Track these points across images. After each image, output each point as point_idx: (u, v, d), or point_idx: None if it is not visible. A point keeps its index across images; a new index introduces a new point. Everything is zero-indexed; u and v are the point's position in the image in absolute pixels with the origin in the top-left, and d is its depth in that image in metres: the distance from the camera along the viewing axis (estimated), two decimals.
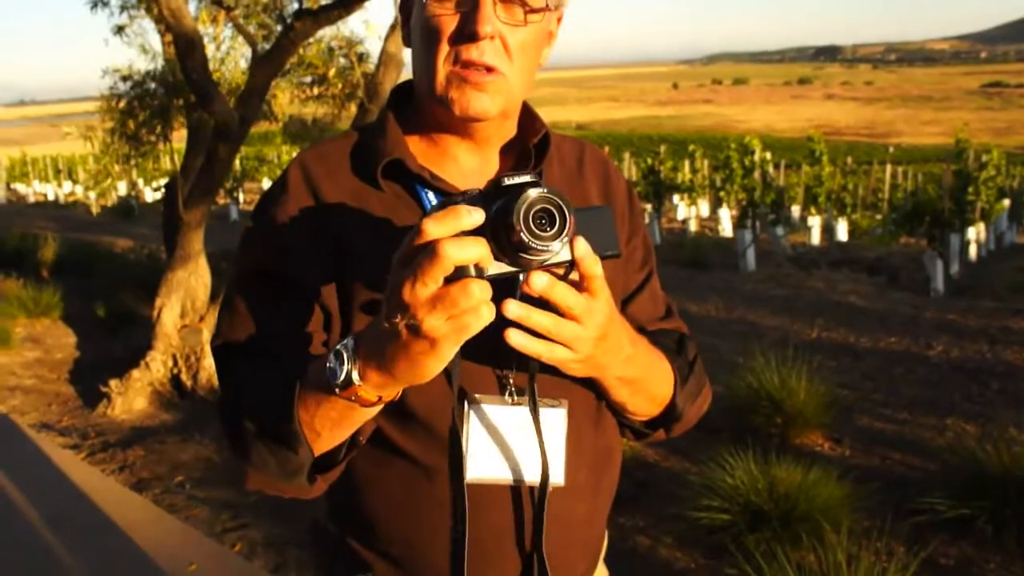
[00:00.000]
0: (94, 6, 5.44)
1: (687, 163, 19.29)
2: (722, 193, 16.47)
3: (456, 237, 0.82)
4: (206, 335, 6.08)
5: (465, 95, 1.10)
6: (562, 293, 0.91)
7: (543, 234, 0.85)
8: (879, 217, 18.12)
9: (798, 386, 4.92)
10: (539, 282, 0.88)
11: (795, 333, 7.39)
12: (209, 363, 5.97)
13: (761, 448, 4.21)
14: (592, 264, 0.91)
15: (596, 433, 1.22)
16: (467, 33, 1.08)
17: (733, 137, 18.07)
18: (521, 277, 0.88)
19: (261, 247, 1.17)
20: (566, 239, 0.86)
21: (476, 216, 0.83)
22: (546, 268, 0.89)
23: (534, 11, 1.11)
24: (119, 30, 5.82)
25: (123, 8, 5.73)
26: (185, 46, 4.31)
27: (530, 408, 1.12)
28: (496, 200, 0.86)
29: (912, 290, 9.75)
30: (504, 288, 0.94)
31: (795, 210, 19.47)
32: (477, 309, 0.82)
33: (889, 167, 22.33)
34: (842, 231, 16.18)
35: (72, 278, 9.94)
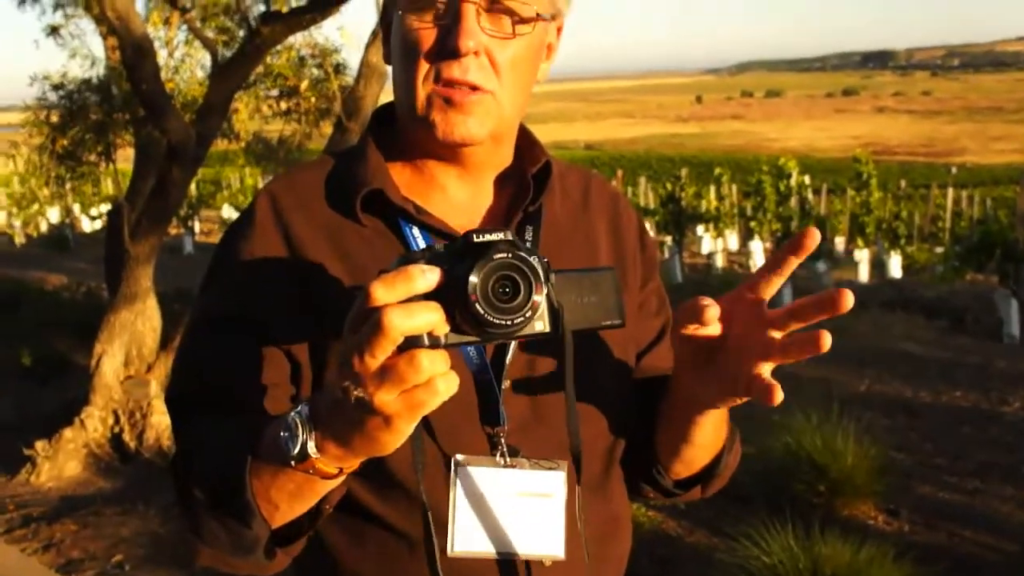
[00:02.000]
0: (22, 2, 5.50)
1: (712, 189, 19.45)
2: (753, 223, 16.58)
3: (405, 304, 0.84)
4: (154, 388, 6.09)
5: (448, 118, 1.13)
6: None
7: (503, 306, 0.86)
8: (940, 250, 18.21)
9: (845, 448, 4.94)
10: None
11: (840, 386, 7.39)
12: (157, 420, 5.97)
13: (802, 520, 4.19)
14: None
15: (601, 499, 1.23)
16: (448, 49, 1.11)
17: (766, 158, 18.27)
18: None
19: (224, 288, 1.21)
20: (538, 311, 0.88)
21: (431, 278, 0.85)
22: (520, 339, 0.90)
23: (523, 21, 1.14)
24: (53, 31, 5.90)
25: (57, 6, 5.81)
26: (134, 53, 4.39)
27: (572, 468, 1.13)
28: (462, 260, 0.87)
29: (981, 335, 9.78)
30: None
31: (839, 242, 19.58)
32: (431, 384, 0.84)
33: (951, 191, 22.47)
34: (895, 266, 16.25)
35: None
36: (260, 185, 20.30)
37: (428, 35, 1.12)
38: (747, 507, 4.67)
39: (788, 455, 4.98)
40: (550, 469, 1.15)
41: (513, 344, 1.16)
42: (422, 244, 1.17)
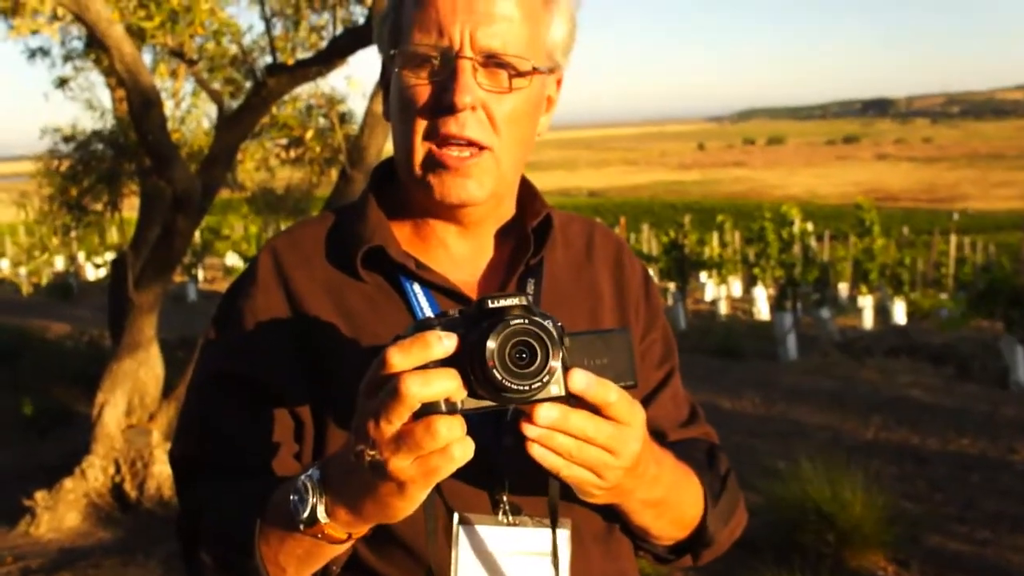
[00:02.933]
0: (31, 56, 5.59)
1: (716, 235, 19.49)
2: (756, 270, 16.59)
3: (422, 370, 0.84)
4: (156, 437, 6.05)
5: (444, 181, 1.14)
6: (579, 425, 0.93)
7: (521, 371, 0.86)
8: (944, 296, 18.19)
9: (853, 497, 4.89)
10: (547, 416, 0.90)
11: (847, 433, 7.36)
12: (158, 470, 5.92)
13: (811, 571, 4.15)
14: (603, 393, 0.93)
15: (605, 557, 1.21)
16: (445, 105, 1.11)
17: (768, 205, 18.31)
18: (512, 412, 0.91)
19: (226, 347, 1.22)
20: (554, 376, 0.89)
21: (447, 344, 0.86)
22: (535, 403, 0.90)
23: (520, 75, 1.14)
24: (62, 83, 5.98)
25: (67, 59, 5.90)
26: (141, 104, 4.44)
27: (551, 529, 1.11)
28: (477, 325, 0.88)
29: (987, 382, 9.72)
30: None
31: (842, 288, 19.56)
32: (447, 451, 0.85)
33: (954, 237, 22.51)
34: (899, 313, 16.23)
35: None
36: (263, 234, 20.34)
37: (424, 92, 1.13)
38: (756, 557, 4.61)
39: (796, 504, 4.93)
40: (552, 529, 1.13)
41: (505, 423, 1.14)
42: (423, 301, 1.17)
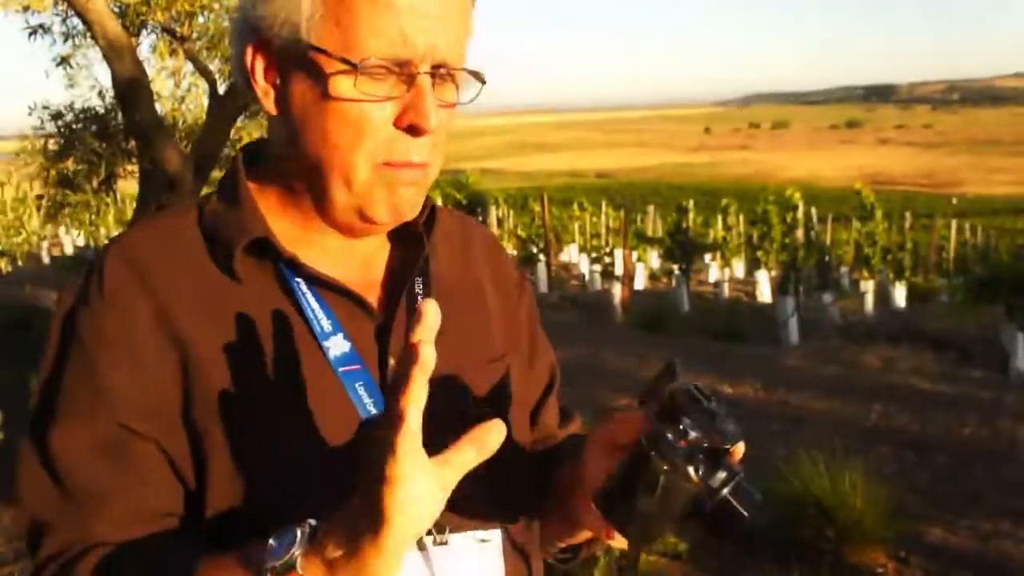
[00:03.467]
0: (32, 34, 5.36)
1: (719, 218, 19.23)
2: (759, 253, 16.34)
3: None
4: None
5: (394, 201, 1.00)
6: None
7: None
8: (945, 282, 17.89)
9: (853, 491, 4.68)
10: None
11: (847, 421, 7.14)
12: None
13: (810, 567, 3.97)
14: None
15: (531, 565, 1.13)
16: (409, 126, 0.96)
17: (772, 188, 18.03)
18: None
19: (73, 382, 0.97)
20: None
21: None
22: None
23: (458, 86, 1.02)
24: (62, 61, 5.74)
25: (67, 36, 5.65)
26: (126, 82, 4.19)
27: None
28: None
29: (988, 369, 9.47)
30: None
31: (843, 271, 19.31)
32: None
33: (955, 222, 22.19)
34: (900, 297, 15.97)
35: (5, 342, 9.77)
36: None
37: (378, 109, 0.96)
38: (753, 554, 4.43)
39: (795, 498, 4.71)
40: (483, 541, 1.05)
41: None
42: (313, 301, 1.01)
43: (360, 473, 0.80)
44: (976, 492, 5.51)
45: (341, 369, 0.99)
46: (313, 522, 0.83)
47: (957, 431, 6.76)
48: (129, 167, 5.93)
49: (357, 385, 0.99)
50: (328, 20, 0.95)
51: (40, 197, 5.62)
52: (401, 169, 0.98)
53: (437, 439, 0.96)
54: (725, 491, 0.87)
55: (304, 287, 1.01)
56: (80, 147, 5.54)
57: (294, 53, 0.98)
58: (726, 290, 17.64)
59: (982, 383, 8.44)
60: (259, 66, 1.01)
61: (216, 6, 4.98)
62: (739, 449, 0.90)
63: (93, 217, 6.00)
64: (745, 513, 0.87)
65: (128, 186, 6.85)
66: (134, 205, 5.91)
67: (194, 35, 5.18)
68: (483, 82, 1.02)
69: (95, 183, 5.73)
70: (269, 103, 1.01)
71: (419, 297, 1.07)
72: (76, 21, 5.87)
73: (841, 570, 4.36)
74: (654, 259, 22.72)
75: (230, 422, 0.95)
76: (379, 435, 0.77)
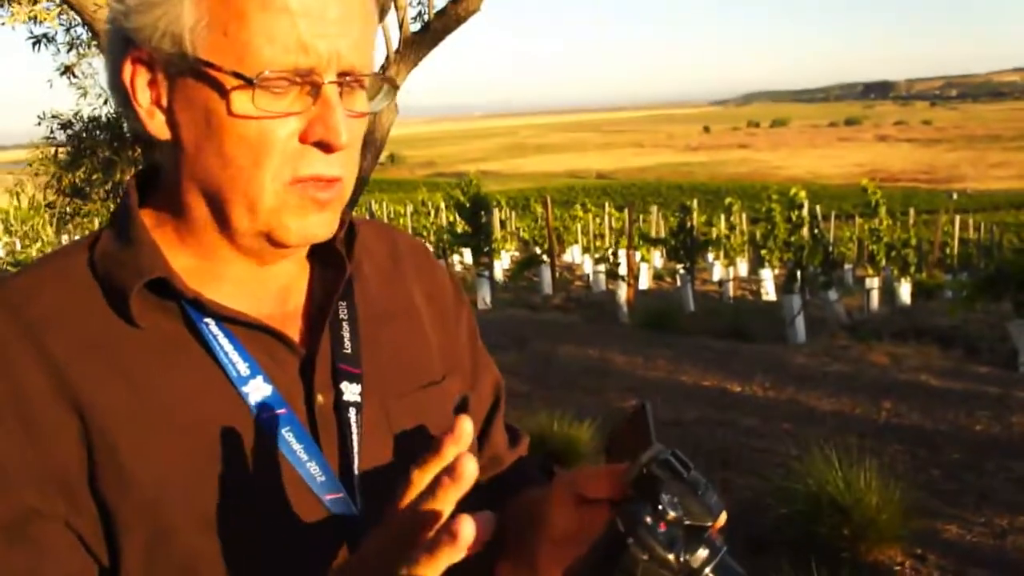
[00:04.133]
0: (36, 43, 5.34)
1: (722, 217, 19.20)
2: (764, 251, 16.30)
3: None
4: None
5: (308, 221, 0.89)
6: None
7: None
8: (949, 278, 17.87)
9: (868, 489, 4.64)
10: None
11: (858, 418, 7.10)
12: None
13: (828, 567, 3.93)
14: None
15: None
16: (318, 142, 0.86)
17: (773, 186, 17.99)
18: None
19: None
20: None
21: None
22: None
23: (367, 92, 0.92)
24: (66, 70, 5.73)
25: (71, 46, 5.64)
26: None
27: None
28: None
29: (996, 365, 9.44)
30: None
31: (846, 268, 19.27)
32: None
33: (958, 218, 22.16)
34: (905, 293, 15.94)
35: None
36: None
37: (281, 125, 0.85)
38: (770, 553, 4.40)
39: (809, 497, 4.68)
40: None
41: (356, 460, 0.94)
42: (226, 343, 0.89)
43: (361, 565, 0.77)
44: (990, 488, 5.47)
45: (264, 415, 0.89)
46: None
47: (968, 427, 6.72)
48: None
49: (284, 431, 0.89)
50: (215, 30, 0.84)
51: (50, 206, 5.60)
52: (310, 186, 0.87)
53: (377, 473, 0.93)
54: (707, 570, 0.79)
55: (214, 327, 0.89)
56: (90, 155, 5.52)
57: (179, 69, 0.86)
58: (731, 289, 17.61)
59: (991, 379, 8.39)
60: (140, 84, 0.88)
61: None
62: (720, 523, 0.81)
63: (101, 225, 6.00)
64: None
65: None
66: None
67: None
68: (395, 87, 0.95)
69: (103, 191, 5.72)
70: (155, 126, 0.89)
71: (344, 323, 0.98)
72: (80, 31, 5.87)
73: (858, 568, 4.32)
74: (657, 259, 22.71)
75: (142, 489, 0.84)
76: (408, 538, 0.73)
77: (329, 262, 0.99)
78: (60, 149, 5.61)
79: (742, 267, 20.53)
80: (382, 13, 0.93)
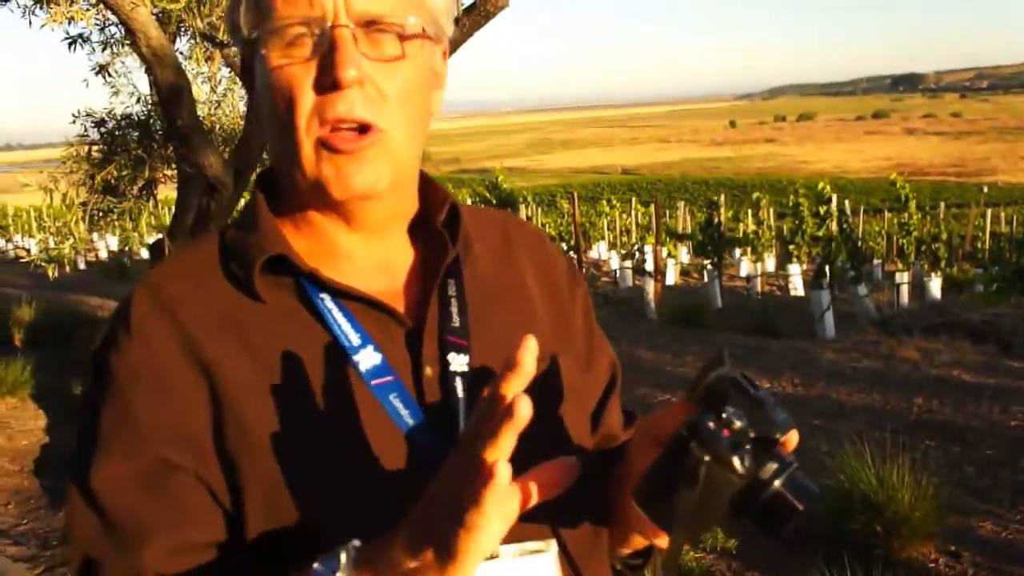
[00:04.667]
0: (72, 43, 5.41)
1: (750, 212, 19.07)
2: (792, 246, 16.17)
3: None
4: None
5: (341, 170, 0.93)
6: None
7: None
8: (981, 271, 17.64)
9: (901, 485, 4.60)
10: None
11: (889, 414, 7.03)
12: None
13: (861, 563, 3.91)
14: None
15: (599, 571, 1.09)
16: (327, 84, 0.91)
17: (800, 180, 17.84)
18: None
19: (108, 419, 0.95)
20: None
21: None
22: None
23: (407, 38, 0.95)
24: (101, 69, 5.79)
25: (105, 45, 5.70)
26: (168, 89, 4.22)
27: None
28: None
29: None
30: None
31: (875, 263, 19.08)
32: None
33: (989, 211, 21.84)
34: (935, 288, 15.75)
35: (48, 348, 9.90)
36: None
37: (300, 73, 0.92)
38: (804, 548, 4.37)
39: (842, 493, 4.65)
40: (536, 552, 0.97)
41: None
42: (339, 315, 0.97)
43: (427, 505, 0.78)
44: None
45: (373, 382, 0.95)
46: (357, 543, 0.81)
47: (1002, 423, 6.64)
48: (168, 172, 5.98)
49: (391, 397, 0.95)
50: (250, 8, 0.95)
51: (84, 204, 5.67)
52: (337, 136, 0.92)
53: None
54: (777, 483, 0.80)
55: (329, 301, 0.97)
56: (123, 153, 5.58)
57: (247, 53, 0.99)
58: (759, 284, 17.48)
59: (1023, 373, 8.29)
60: (249, 77, 1.01)
61: None
62: (791, 439, 0.84)
63: (134, 222, 6.06)
64: (799, 506, 0.81)
65: (165, 191, 6.92)
66: (172, 210, 5.97)
67: (231, 41, 5.20)
68: (427, 35, 0.97)
69: (136, 189, 5.78)
70: (257, 110, 1.00)
71: (453, 299, 1.03)
72: (114, 30, 5.93)
73: (892, 565, 4.29)
74: (684, 254, 22.61)
75: (263, 447, 0.92)
76: (460, 481, 0.74)
77: (436, 243, 1.05)
78: (93, 147, 5.68)
79: (769, 262, 20.38)
80: None
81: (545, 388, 1.04)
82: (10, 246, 32.23)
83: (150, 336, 0.95)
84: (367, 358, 0.96)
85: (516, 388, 0.72)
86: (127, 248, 24.77)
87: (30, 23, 4.79)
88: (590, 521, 1.06)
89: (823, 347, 10.44)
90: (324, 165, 0.93)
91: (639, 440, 0.99)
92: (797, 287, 16.54)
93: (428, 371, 0.98)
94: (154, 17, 4.43)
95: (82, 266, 22.13)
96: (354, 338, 0.96)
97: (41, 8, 4.82)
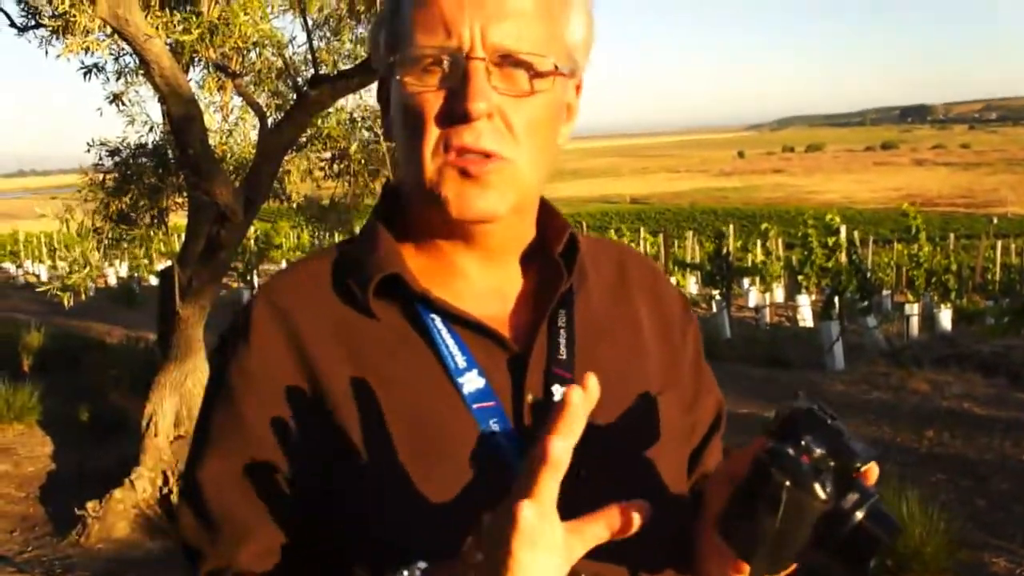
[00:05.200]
0: (87, 73, 5.49)
1: (758, 242, 19.05)
2: (800, 277, 16.12)
3: None
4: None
5: (463, 192, 0.96)
6: None
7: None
8: (991, 303, 17.55)
9: (912, 520, 4.55)
10: None
11: (899, 447, 6.99)
12: None
13: None
14: None
15: None
16: (457, 113, 0.94)
17: (808, 211, 17.83)
18: None
19: (219, 419, 1.01)
20: None
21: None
22: None
23: (541, 76, 0.97)
24: (115, 98, 5.86)
25: (119, 75, 5.78)
26: (181, 118, 4.26)
27: None
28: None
29: None
30: None
31: (884, 294, 19.01)
32: None
33: (999, 243, 21.77)
34: (946, 320, 15.66)
35: (56, 374, 9.91)
36: (315, 244, 20.33)
37: (433, 100, 0.96)
38: None
39: None
40: None
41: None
42: (448, 338, 0.99)
43: (483, 537, 0.78)
44: None
45: (475, 406, 0.97)
46: (423, 565, 0.82)
47: (1014, 457, 6.59)
48: (179, 199, 6.02)
49: (491, 422, 0.97)
50: (391, 33, 1.00)
51: (97, 231, 5.72)
52: (463, 159, 0.95)
53: (585, 477, 0.92)
54: (859, 514, 0.78)
55: (439, 323, 1.00)
56: (137, 182, 5.64)
57: (384, 76, 1.04)
58: (767, 315, 17.43)
59: None
60: (384, 98, 1.06)
61: (267, 42, 5.06)
62: (872, 470, 0.84)
63: (145, 252, 6.10)
64: (884, 538, 0.79)
65: (175, 219, 6.96)
66: (182, 237, 6.00)
67: (243, 71, 5.26)
68: (560, 72, 0.99)
69: (149, 217, 5.83)
70: (387, 130, 1.06)
71: (562, 330, 1.04)
72: (128, 60, 6.00)
73: None
74: (692, 284, 22.58)
75: (360, 459, 0.95)
76: (501, 516, 0.75)
77: (550, 272, 1.05)
78: (107, 176, 5.74)
79: (778, 293, 20.33)
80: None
81: (645, 426, 1.05)
82: (20, 272, 32.36)
83: (265, 343, 1.00)
84: (471, 382, 0.98)
85: (563, 429, 0.72)
86: (136, 275, 24.84)
87: (47, 52, 4.86)
88: (671, 565, 1.05)
89: (832, 379, 10.40)
90: (446, 186, 0.96)
91: (717, 480, 0.99)
92: (806, 318, 16.48)
93: (530, 399, 0.99)
94: (167, 47, 4.49)
95: (91, 292, 22.20)
96: (460, 361, 0.98)
97: (57, 38, 4.88)
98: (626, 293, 1.15)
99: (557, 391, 1.00)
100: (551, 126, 1.01)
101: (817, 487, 0.78)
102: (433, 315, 1.00)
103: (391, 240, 1.04)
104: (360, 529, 0.96)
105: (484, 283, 1.05)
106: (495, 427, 0.97)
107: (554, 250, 1.06)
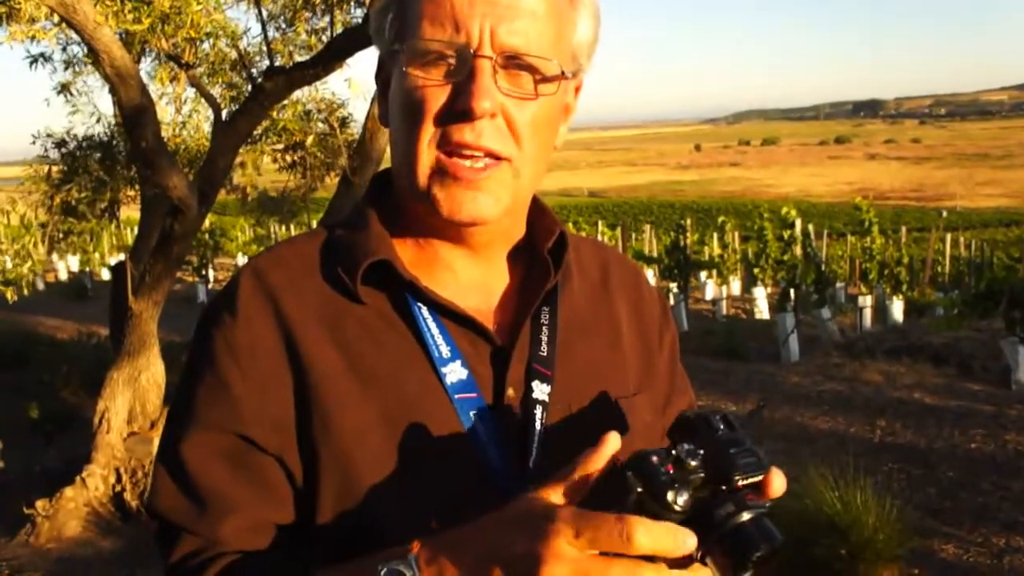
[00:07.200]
0: (33, 62, 5.36)
1: (715, 236, 19.22)
2: (756, 270, 16.31)
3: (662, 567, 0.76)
4: (157, 445, 5.81)
5: (453, 195, 0.96)
6: None
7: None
8: (941, 295, 17.91)
9: (865, 509, 4.63)
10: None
11: (852, 437, 7.10)
12: None
13: None
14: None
15: None
16: (460, 109, 0.94)
17: (764, 203, 18.04)
18: None
19: (203, 394, 1.00)
20: None
21: (689, 544, 0.76)
22: None
23: (547, 80, 0.97)
24: (63, 89, 5.73)
25: (67, 64, 5.64)
26: (132, 109, 4.17)
27: None
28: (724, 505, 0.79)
29: (989, 382, 9.44)
30: None
31: (838, 286, 19.29)
32: None
33: (948, 236, 22.23)
34: (897, 311, 15.94)
35: (3, 370, 9.70)
36: (269, 239, 20.09)
37: (435, 93, 0.96)
38: (766, 573, 4.34)
39: (806, 517, 4.66)
40: None
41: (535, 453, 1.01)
42: (433, 327, 1.00)
43: (499, 532, 0.81)
44: (986, 507, 5.47)
45: (457, 396, 0.98)
46: (415, 551, 0.83)
47: (963, 445, 6.72)
48: (131, 193, 5.91)
49: (471, 412, 0.98)
50: (396, 19, 1.00)
51: (43, 225, 5.59)
52: (455, 164, 0.95)
53: (548, 470, 0.94)
54: (731, 524, 0.78)
55: (425, 312, 1.00)
56: (84, 174, 5.52)
57: (384, 59, 1.04)
58: (724, 308, 17.60)
59: (984, 396, 8.40)
60: (383, 81, 1.06)
61: (220, 32, 4.98)
62: (772, 483, 0.82)
63: (95, 246, 5.97)
64: (759, 548, 0.78)
65: (127, 212, 6.83)
66: (135, 231, 5.89)
67: (197, 62, 5.18)
68: (564, 76, 0.99)
69: (98, 210, 5.71)
70: (383, 114, 1.06)
71: (544, 327, 1.05)
72: (76, 49, 5.87)
73: None
74: (650, 277, 22.69)
75: (341, 440, 0.96)
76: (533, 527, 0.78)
77: (537, 268, 1.07)
78: (53, 168, 5.61)
79: (735, 286, 20.53)
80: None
81: (617, 425, 1.04)
82: None
83: (252, 318, 0.99)
84: (454, 372, 0.99)
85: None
86: (88, 269, 24.35)
87: None
88: None
89: (788, 371, 10.52)
90: (437, 186, 0.96)
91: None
92: (762, 310, 16.66)
93: (511, 393, 1.00)
94: (117, 37, 4.40)
95: (40, 287, 21.71)
96: (444, 351, 0.99)
97: (1, 26, 4.76)
98: (608, 294, 1.16)
99: (536, 387, 1.01)
100: (552, 128, 1.02)
101: (670, 496, 0.77)
102: (420, 304, 1.00)
103: (381, 227, 1.04)
104: (341, 507, 0.96)
105: (469, 276, 1.06)
106: (474, 418, 0.98)
107: (543, 247, 1.07)
